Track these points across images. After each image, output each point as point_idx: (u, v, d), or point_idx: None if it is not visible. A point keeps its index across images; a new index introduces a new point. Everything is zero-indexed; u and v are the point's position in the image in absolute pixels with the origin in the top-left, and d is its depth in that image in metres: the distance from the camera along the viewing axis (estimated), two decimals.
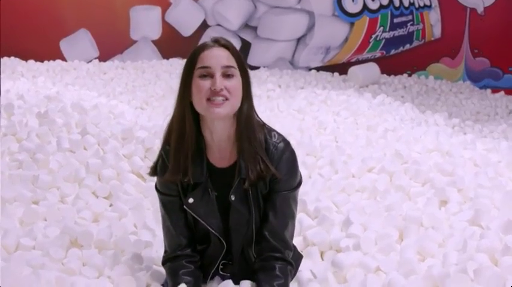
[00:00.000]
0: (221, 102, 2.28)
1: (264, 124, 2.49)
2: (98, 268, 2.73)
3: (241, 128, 2.36)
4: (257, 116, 2.46)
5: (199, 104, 2.31)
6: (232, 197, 2.41)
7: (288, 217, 2.49)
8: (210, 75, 2.29)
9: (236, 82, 2.32)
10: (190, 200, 2.42)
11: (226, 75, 2.30)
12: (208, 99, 2.28)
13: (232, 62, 2.33)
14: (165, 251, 2.57)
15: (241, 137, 2.37)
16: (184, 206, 2.44)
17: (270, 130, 2.48)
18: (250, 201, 2.43)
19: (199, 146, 2.40)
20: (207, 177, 2.42)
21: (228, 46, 2.35)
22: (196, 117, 2.38)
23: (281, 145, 2.43)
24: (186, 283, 2.41)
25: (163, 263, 2.55)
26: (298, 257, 2.74)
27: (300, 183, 2.51)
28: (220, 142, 2.41)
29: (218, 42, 2.35)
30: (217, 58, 2.30)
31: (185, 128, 2.36)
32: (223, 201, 2.44)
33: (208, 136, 2.41)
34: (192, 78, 2.33)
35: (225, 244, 2.48)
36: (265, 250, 2.47)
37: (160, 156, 2.47)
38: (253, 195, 2.43)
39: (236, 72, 2.33)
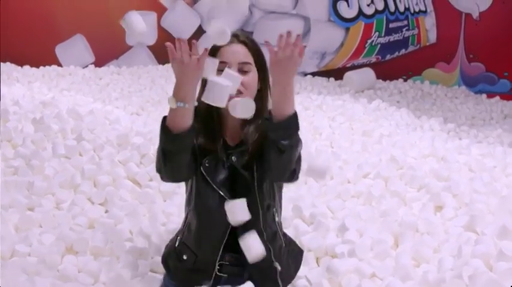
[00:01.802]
0: (235, 95, 2.38)
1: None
2: (93, 274, 2.73)
3: (251, 120, 2.46)
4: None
5: None
6: (234, 158, 2.49)
7: None
8: None
9: (251, 78, 2.47)
10: (207, 164, 2.48)
11: (243, 71, 2.45)
12: None
13: (249, 58, 2.48)
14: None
15: (249, 123, 2.48)
16: (200, 167, 2.48)
17: None
18: (254, 172, 2.48)
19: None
20: (223, 150, 2.51)
21: (246, 42, 2.51)
22: None
23: None
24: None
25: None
26: (299, 252, 2.78)
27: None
28: (231, 125, 2.53)
29: (237, 37, 2.50)
30: (235, 54, 2.46)
31: (211, 108, 2.44)
32: (232, 175, 2.51)
33: (222, 118, 2.53)
34: None
35: None
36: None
37: None
38: (257, 168, 2.48)
39: (252, 68, 2.48)
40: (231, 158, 2.50)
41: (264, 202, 2.51)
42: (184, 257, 2.57)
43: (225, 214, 2.42)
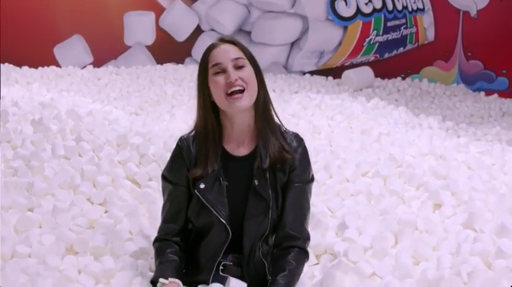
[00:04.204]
0: (240, 95, 2.45)
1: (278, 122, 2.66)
2: (94, 275, 2.73)
3: (260, 114, 2.54)
4: (273, 109, 2.63)
5: (219, 100, 2.49)
6: (256, 182, 2.52)
7: (305, 208, 2.63)
8: (223, 71, 2.47)
9: (248, 71, 2.51)
10: (202, 186, 2.52)
11: (238, 67, 2.48)
12: (228, 94, 2.45)
13: (240, 54, 2.52)
14: (158, 233, 2.67)
15: (260, 122, 2.54)
16: (195, 191, 2.53)
17: (282, 126, 2.67)
18: (269, 187, 2.53)
19: (218, 137, 2.57)
20: (220, 166, 2.54)
21: (233, 41, 2.56)
22: (216, 111, 2.55)
23: (297, 137, 2.65)
24: (171, 261, 2.52)
25: (154, 243, 2.67)
26: None
27: (313, 178, 2.69)
28: (239, 132, 2.57)
29: (223, 39, 2.56)
30: (226, 53, 2.49)
31: (208, 125, 2.54)
32: (234, 191, 2.55)
33: (229, 127, 2.57)
34: (208, 77, 2.50)
35: (230, 231, 2.52)
36: (285, 240, 2.57)
37: (176, 146, 2.62)
38: (271, 181, 2.54)
39: (246, 62, 2.52)
40: (253, 182, 2.52)
41: (272, 220, 2.57)
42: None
43: (221, 233, 2.52)
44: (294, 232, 2.57)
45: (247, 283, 2.50)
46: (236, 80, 2.44)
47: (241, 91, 2.46)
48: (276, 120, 2.65)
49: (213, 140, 2.54)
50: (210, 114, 2.54)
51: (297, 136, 2.65)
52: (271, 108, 2.61)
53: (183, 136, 2.64)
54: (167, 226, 2.63)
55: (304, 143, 2.66)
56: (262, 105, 2.55)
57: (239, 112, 2.50)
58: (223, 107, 2.50)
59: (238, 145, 2.59)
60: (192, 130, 2.64)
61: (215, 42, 2.55)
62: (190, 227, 2.64)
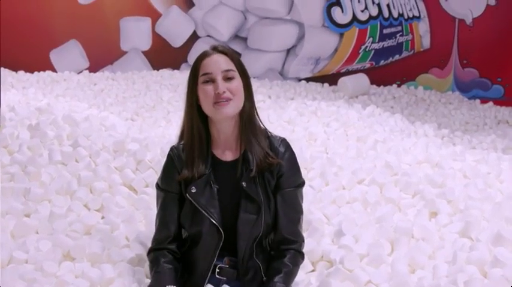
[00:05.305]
0: (225, 103, 2.51)
1: (264, 128, 2.71)
2: (92, 281, 2.73)
3: (244, 124, 2.60)
4: (258, 118, 2.69)
5: (207, 108, 2.56)
6: (244, 184, 2.56)
7: (299, 212, 2.69)
8: (212, 81, 2.53)
9: (237, 83, 2.56)
10: (193, 189, 2.57)
11: (227, 78, 2.54)
12: (215, 103, 2.51)
13: (231, 65, 2.57)
14: (152, 243, 2.71)
15: (245, 132, 2.59)
16: (187, 195, 2.58)
17: (268, 131, 2.72)
18: (258, 189, 2.57)
19: (205, 142, 2.62)
20: (211, 171, 2.60)
21: (226, 52, 2.61)
22: (204, 117, 2.61)
23: (284, 142, 2.70)
24: (167, 270, 2.55)
25: (148, 254, 2.70)
26: None
27: (303, 182, 2.73)
28: (225, 138, 2.62)
29: (216, 49, 2.61)
30: (217, 64, 2.55)
31: (194, 132, 2.59)
32: (224, 194, 2.60)
33: (215, 134, 2.63)
34: (197, 85, 2.57)
35: (223, 233, 2.55)
36: (282, 243, 2.64)
37: (168, 155, 2.69)
38: (261, 184, 2.59)
39: (236, 74, 2.57)
40: (241, 184, 2.56)
41: (265, 222, 2.60)
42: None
43: (214, 236, 2.55)
44: (290, 236, 2.63)
45: (244, 286, 2.52)
46: (224, 92, 2.50)
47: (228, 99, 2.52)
48: (262, 127, 2.70)
49: (199, 144, 2.60)
50: (196, 120, 2.59)
51: (283, 141, 2.70)
52: (257, 119, 2.67)
53: (173, 145, 2.70)
54: (161, 234, 2.67)
55: (291, 148, 2.71)
56: (247, 117, 2.60)
57: (224, 120, 2.57)
58: (209, 113, 2.57)
59: (225, 150, 2.65)
60: (181, 141, 2.69)
61: (208, 51, 2.61)
62: (185, 236, 2.66)
